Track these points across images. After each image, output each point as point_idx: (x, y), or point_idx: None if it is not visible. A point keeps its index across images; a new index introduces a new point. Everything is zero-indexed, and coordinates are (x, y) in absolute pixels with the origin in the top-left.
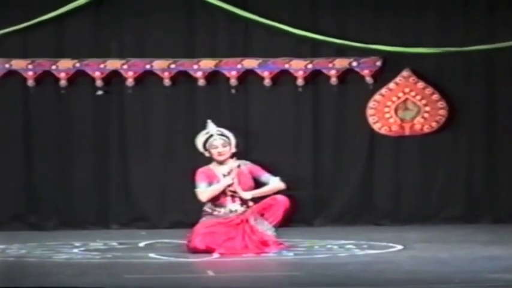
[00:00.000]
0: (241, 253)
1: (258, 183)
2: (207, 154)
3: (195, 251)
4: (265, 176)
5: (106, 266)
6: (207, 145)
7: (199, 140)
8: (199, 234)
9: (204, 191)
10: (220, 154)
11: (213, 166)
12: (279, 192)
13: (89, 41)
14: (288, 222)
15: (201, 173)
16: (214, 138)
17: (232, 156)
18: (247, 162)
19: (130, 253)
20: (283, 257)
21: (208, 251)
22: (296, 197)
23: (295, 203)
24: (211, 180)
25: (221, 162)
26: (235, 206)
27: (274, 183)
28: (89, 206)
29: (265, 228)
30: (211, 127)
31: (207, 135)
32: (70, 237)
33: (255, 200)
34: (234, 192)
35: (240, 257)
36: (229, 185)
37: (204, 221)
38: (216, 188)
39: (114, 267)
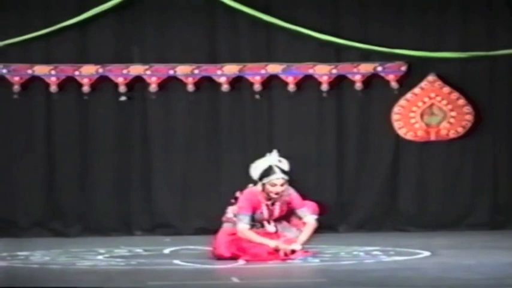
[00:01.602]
0: (267, 259)
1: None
2: (259, 184)
3: (220, 258)
4: (301, 211)
5: (130, 273)
6: (265, 179)
7: (258, 169)
8: (225, 242)
9: (244, 231)
10: (277, 193)
11: (259, 194)
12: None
13: (111, 47)
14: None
15: (248, 202)
16: (277, 176)
17: None
18: (291, 191)
19: (155, 260)
20: (309, 264)
21: (234, 257)
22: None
23: (323, 207)
24: (255, 210)
25: (271, 199)
26: (271, 228)
27: (311, 223)
28: (112, 212)
29: (293, 236)
30: (274, 157)
31: (266, 167)
32: (94, 243)
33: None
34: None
35: (266, 263)
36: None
37: (226, 227)
38: (256, 239)
39: (139, 274)
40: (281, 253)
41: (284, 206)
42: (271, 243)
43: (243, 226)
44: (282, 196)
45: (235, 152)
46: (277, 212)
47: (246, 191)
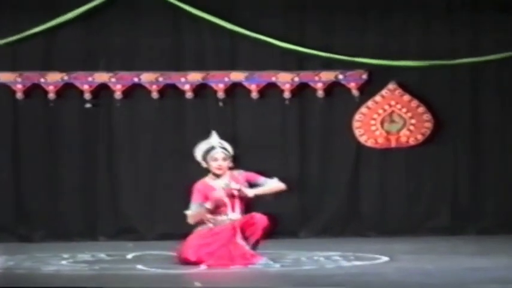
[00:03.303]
0: (229, 264)
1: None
2: (204, 165)
3: (185, 262)
4: (262, 180)
5: (94, 278)
6: (208, 157)
7: (200, 150)
8: (193, 246)
9: (191, 215)
10: (219, 168)
11: (209, 179)
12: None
13: (77, 54)
14: (267, 238)
15: (197, 191)
16: (216, 151)
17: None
18: (241, 171)
19: (118, 265)
20: (270, 269)
21: (198, 262)
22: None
23: (275, 220)
24: (207, 196)
25: (218, 176)
26: (235, 215)
27: (274, 183)
28: (77, 217)
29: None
30: (214, 138)
31: (209, 146)
32: (58, 249)
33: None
34: (234, 197)
35: (228, 268)
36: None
37: (199, 230)
38: (200, 210)
39: (102, 279)
40: (228, 190)
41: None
42: (208, 204)
43: (190, 211)
44: (232, 175)
45: None
46: (235, 191)
47: (196, 184)
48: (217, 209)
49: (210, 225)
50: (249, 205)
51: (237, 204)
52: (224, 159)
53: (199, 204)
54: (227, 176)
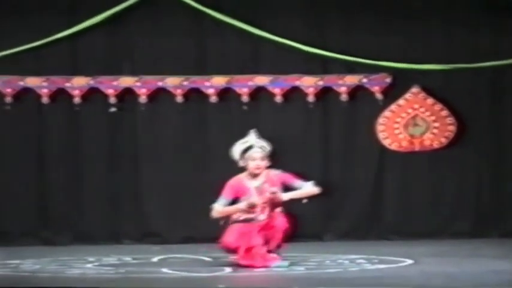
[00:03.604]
0: (253, 266)
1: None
2: (241, 163)
3: (227, 248)
4: (297, 183)
5: (119, 281)
6: (246, 155)
7: (238, 149)
8: (236, 231)
9: (217, 211)
10: (257, 167)
11: (245, 177)
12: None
13: (102, 59)
14: (288, 240)
15: (230, 187)
16: (255, 150)
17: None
18: (278, 172)
19: (144, 268)
20: (294, 272)
21: (238, 249)
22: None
23: (295, 222)
24: (238, 195)
25: (255, 175)
26: (264, 217)
27: (308, 187)
28: (102, 221)
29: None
30: (253, 137)
31: (247, 145)
32: (83, 252)
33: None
34: (266, 199)
35: (252, 271)
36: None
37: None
38: (230, 210)
39: (128, 282)
40: (251, 203)
41: (275, 187)
42: (242, 204)
43: (218, 206)
44: (268, 175)
45: (224, 162)
46: (271, 194)
47: (230, 180)
48: (248, 209)
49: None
50: (278, 206)
51: (267, 207)
52: (262, 158)
53: (228, 200)
54: (263, 176)
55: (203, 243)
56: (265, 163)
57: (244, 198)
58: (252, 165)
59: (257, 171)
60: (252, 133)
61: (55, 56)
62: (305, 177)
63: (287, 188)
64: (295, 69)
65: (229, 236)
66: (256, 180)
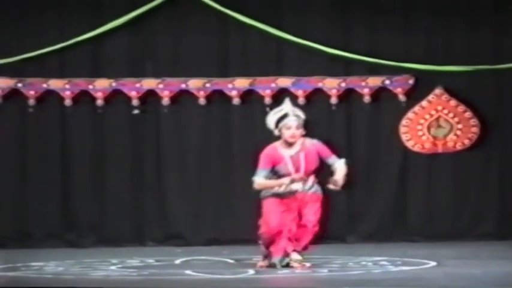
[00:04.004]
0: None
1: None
2: (276, 132)
3: (268, 235)
4: (331, 159)
5: (143, 283)
6: (280, 124)
7: (273, 118)
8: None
9: (259, 183)
10: (293, 136)
11: (279, 146)
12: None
13: (125, 61)
14: (314, 243)
15: (266, 157)
16: (290, 118)
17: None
18: (315, 142)
19: (167, 270)
20: (317, 274)
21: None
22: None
23: (324, 224)
24: (275, 164)
25: (290, 144)
26: (297, 186)
27: (342, 165)
28: (125, 223)
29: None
30: (288, 105)
31: (282, 114)
32: (107, 254)
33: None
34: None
35: (275, 273)
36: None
37: (268, 200)
38: (272, 184)
39: (151, 284)
40: (297, 179)
41: (311, 157)
42: (286, 179)
43: (258, 178)
44: (304, 144)
45: (247, 164)
46: (302, 163)
47: (265, 149)
48: (282, 178)
49: (275, 190)
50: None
51: (308, 180)
52: (297, 127)
53: (268, 170)
54: (298, 145)
55: (227, 245)
56: (300, 132)
57: (279, 166)
58: (287, 134)
59: (292, 140)
60: (287, 101)
61: (78, 58)
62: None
63: (321, 160)
64: (318, 71)
65: (272, 220)
66: (291, 149)
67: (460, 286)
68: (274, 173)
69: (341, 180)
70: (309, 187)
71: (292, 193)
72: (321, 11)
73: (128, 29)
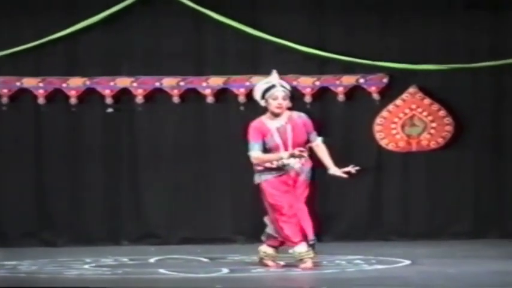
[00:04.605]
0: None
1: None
2: (262, 103)
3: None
4: (313, 134)
5: (116, 282)
6: (267, 95)
7: (260, 88)
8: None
9: (257, 157)
10: (279, 106)
11: (265, 119)
12: None
13: (99, 59)
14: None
15: (255, 130)
16: (277, 89)
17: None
18: (302, 114)
19: (141, 269)
20: (291, 273)
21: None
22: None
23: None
24: (264, 136)
25: (276, 115)
26: (290, 160)
27: (323, 146)
28: (99, 222)
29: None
30: (275, 77)
31: (269, 85)
32: (81, 253)
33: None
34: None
35: (249, 272)
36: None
37: (268, 182)
38: (271, 157)
39: (125, 282)
40: (297, 154)
41: (298, 129)
42: (284, 153)
43: (254, 152)
44: (291, 117)
45: (222, 163)
46: (290, 135)
47: (252, 123)
48: (270, 152)
49: (273, 172)
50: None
51: (290, 149)
52: (284, 98)
53: (261, 143)
54: (285, 117)
55: (201, 244)
56: (287, 103)
57: (266, 139)
58: (273, 104)
59: (278, 111)
60: (273, 73)
61: (52, 57)
62: None
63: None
64: (293, 70)
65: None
66: (278, 120)
67: (434, 285)
68: (263, 147)
69: (331, 162)
70: (305, 171)
71: (291, 168)
72: (296, 10)
73: (102, 27)
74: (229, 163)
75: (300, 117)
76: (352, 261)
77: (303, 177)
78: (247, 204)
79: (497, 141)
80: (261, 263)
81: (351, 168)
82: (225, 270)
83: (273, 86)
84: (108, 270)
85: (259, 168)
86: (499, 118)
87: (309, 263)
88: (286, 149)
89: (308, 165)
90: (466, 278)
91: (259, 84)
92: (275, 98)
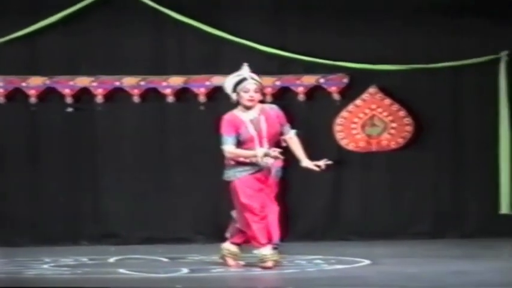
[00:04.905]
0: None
1: None
2: (234, 97)
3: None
4: (286, 127)
5: (76, 282)
6: (238, 88)
7: (231, 81)
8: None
9: (231, 152)
10: (250, 99)
11: (238, 112)
12: None
13: (59, 58)
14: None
15: (228, 123)
16: (248, 81)
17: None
18: (274, 106)
19: (101, 269)
20: (251, 273)
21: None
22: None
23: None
24: (238, 129)
25: (248, 108)
26: (269, 160)
27: (296, 138)
28: (59, 222)
29: None
30: (246, 70)
31: (240, 78)
32: (41, 253)
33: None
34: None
35: (209, 272)
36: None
37: (241, 180)
38: (244, 154)
39: (84, 282)
40: (272, 155)
41: (271, 120)
42: (259, 152)
43: (228, 146)
44: (263, 109)
45: (182, 162)
46: (264, 126)
47: (224, 116)
48: (244, 144)
49: (247, 168)
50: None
51: (265, 140)
52: (256, 91)
53: (235, 136)
54: (257, 109)
55: (162, 244)
56: (259, 96)
57: (241, 131)
58: (245, 96)
59: (250, 104)
60: (244, 66)
61: (11, 56)
62: None
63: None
64: (254, 70)
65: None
66: (251, 112)
67: (394, 285)
68: (237, 140)
69: (304, 155)
70: (275, 169)
71: (265, 164)
72: (257, 10)
73: (62, 26)
74: (189, 162)
75: (272, 109)
76: (312, 261)
77: (273, 175)
78: (207, 204)
79: (456, 141)
80: (223, 260)
81: (323, 162)
82: (185, 270)
83: (244, 79)
84: (68, 270)
85: (232, 163)
86: (458, 118)
87: (269, 263)
88: (261, 141)
89: (279, 163)
90: (426, 278)
91: (230, 77)
92: (246, 91)
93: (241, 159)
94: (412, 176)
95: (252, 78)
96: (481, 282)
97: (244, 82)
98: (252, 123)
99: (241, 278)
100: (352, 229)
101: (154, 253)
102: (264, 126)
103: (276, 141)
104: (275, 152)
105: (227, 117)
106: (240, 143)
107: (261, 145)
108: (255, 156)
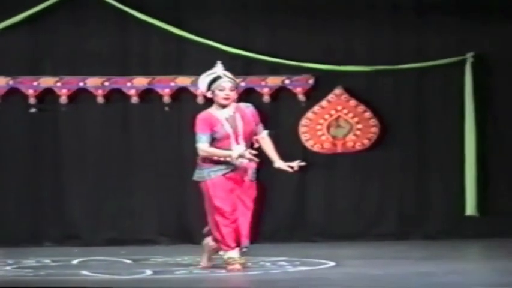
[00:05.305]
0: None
1: None
2: (209, 95)
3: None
4: (260, 126)
5: (38, 283)
6: (213, 86)
7: (206, 80)
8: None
9: (205, 150)
10: (226, 97)
11: (213, 110)
12: None
13: (22, 58)
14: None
15: (202, 121)
16: (224, 80)
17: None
18: (249, 104)
19: (63, 270)
20: (214, 274)
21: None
22: None
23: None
24: (213, 127)
25: (224, 106)
26: (239, 148)
27: (269, 139)
28: (22, 223)
29: None
30: (220, 68)
31: (214, 76)
32: (3, 254)
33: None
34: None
35: (173, 274)
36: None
37: (214, 177)
38: (219, 154)
39: (47, 284)
40: (247, 156)
41: (247, 118)
42: (234, 152)
43: (203, 144)
44: (239, 107)
45: (146, 163)
46: (239, 123)
47: (199, 115)
48: (220, 142)
49: (222, 167)
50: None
51: (241, 138)
52: (231, 89)
53: (209, 134)
54: (232, 107)
55: (125, 246)
56: (234, 94)
57: (216, 128)
58: (221, 95)
59: (226, 102)
60: (218, 64)
61: None
62: None
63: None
64: None
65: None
66: (226, 110)
67: (358, 286)
68: (212, 138)
69: (277, 155)
70: (250, 171)
71: (240, 163)
72: (221, 10)
73: (26, 26)
74: (153, 164)
75: (247, 107)
76: (276, 262)
77: (248, 178)
78: (171, 206)
79: (421, 143)
80: (209, 254)
81: (296, 164)
82: (148, 272)
83: (218, 77)
84: (31, 271)
85: (205, 163)
86: (423, 120)
87: (236, 266)
88: (237, 139)
89: (253, 165)
90: (390, 279)
91: (204, 75)
92: (222, 89)
93: (215, 158)
94: (377, 177)
95: (227, 76)
96: (446, 284)
97: (219, 80)
98: (227, 121)
99: (204, 280)
100: (317, 230)
101: (117, 255)
102: (240, 124)
103: (251, 140)
104: (250, 154)
105: (202, 115)
106: (215, 141)
107: (237, 143)
108: (230, 156)
